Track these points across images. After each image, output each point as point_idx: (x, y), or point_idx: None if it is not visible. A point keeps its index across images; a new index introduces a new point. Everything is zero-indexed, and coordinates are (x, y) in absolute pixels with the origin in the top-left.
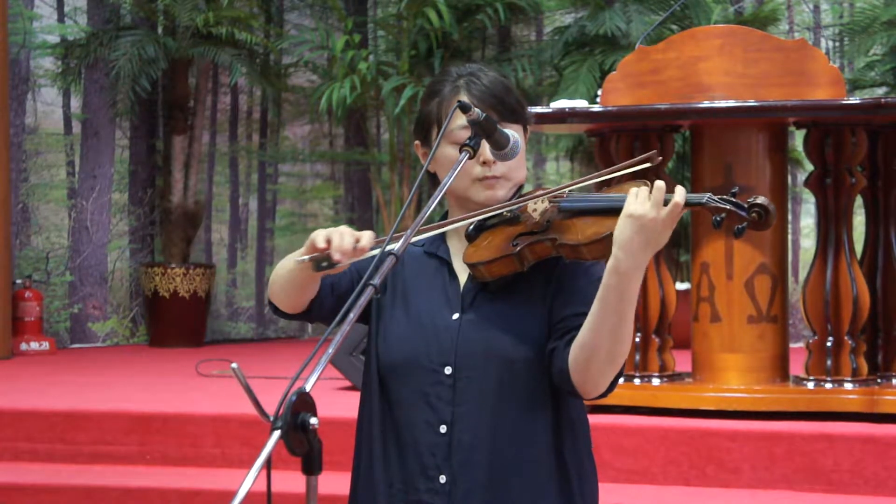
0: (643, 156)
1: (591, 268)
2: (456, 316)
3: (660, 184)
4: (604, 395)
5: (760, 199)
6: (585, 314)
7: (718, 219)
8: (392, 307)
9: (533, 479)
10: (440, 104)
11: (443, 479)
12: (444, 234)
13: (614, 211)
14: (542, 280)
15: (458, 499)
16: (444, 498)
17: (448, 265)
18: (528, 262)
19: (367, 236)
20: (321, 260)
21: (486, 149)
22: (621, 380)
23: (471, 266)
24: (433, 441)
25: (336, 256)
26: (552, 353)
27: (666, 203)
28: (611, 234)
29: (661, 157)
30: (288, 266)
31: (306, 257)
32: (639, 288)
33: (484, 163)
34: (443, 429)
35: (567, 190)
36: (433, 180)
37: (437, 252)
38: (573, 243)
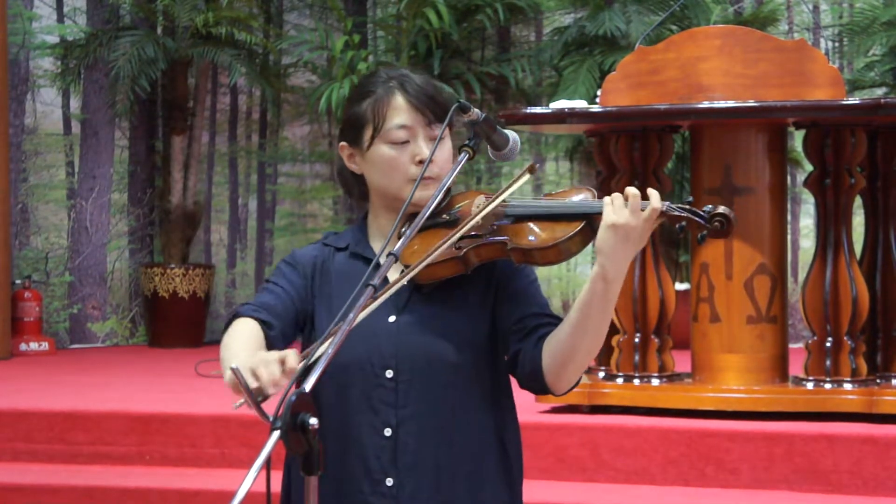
0: (524, 171)
1: (525, 269)
2: (392, 318)
3: (633, 191)
4: (570, 389)
5: (721, 209)
6: (540, 314)
7: (679, 227)
8: (325, 312)
9: (479, 475)
10: (375, 104)
11: (389, 482)
12: (367, 234)
13: (565, 217)
14: (480, 282)
15: (405, 501)
16: (390, 500)
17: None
18: (473, 264)
19: (290, 355)
20: (257, 396)
21: (422, 148)
22: (620, 380)
23: (409, 268)
24: (378, 444)
25: (271, 391)
26: (517, 355)
27: (643, 208)
28: (565, 241)
29: (535, 169)
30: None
31: (240, 402)
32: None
33: (420, 162)
34: (387, 432)
35: (507, 196)
36: (356, 181)
37: (363, 253)
38: (526, 248)
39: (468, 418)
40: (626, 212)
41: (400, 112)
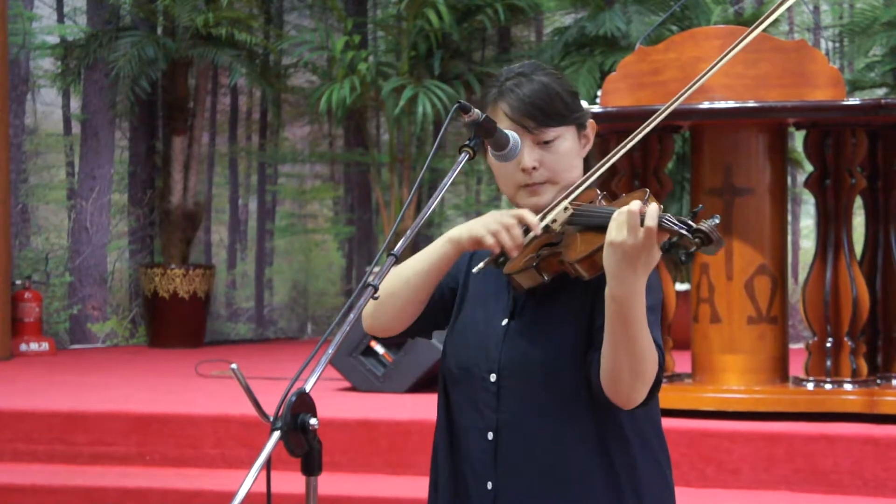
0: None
1: None
2: (505, 322)
3: (633, 206)
4: (644, 403)
5: (703, 225)
6: None
7: (668, 242)
8: (459, 310)
9: (582, 487)
10: (484, 111)
11: (489, 485)
12: None
13: (603, 227)
14: (582, 285)
15: None
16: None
17: None
18: (547, 275)
19: (528, 214)
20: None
21: (524, 156)
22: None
23: (508, 276)
24: (481, 447)
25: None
26: (590, 366)
27: (642, 223)
28: (597, 251)
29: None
30: (411, 272)
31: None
32: (643, 307)
33: (523, 170)
34: (490, 435)
35: (581, 193)
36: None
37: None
38: (569, 261)
39: (568, 425)
40: (624, 229)
41: (501, 123)
